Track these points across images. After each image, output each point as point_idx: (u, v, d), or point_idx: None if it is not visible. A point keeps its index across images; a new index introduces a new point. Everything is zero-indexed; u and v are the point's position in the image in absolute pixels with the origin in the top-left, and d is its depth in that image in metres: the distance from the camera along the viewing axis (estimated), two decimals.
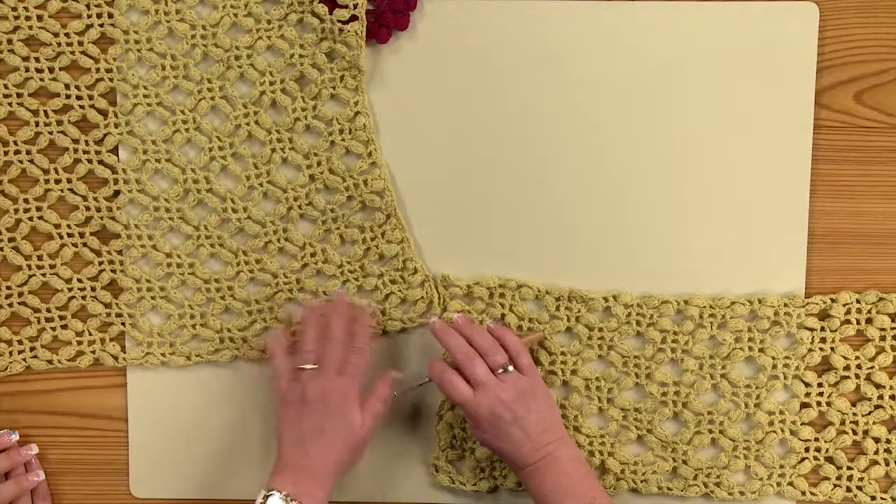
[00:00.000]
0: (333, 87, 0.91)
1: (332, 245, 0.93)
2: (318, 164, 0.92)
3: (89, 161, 0.93)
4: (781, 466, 0.94)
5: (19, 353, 0.96)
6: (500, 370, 0.88)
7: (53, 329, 0.95)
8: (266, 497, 0.83)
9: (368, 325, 0.90)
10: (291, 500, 0.83)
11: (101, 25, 0.91)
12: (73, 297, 0.95)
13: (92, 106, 0.92)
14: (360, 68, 0.91)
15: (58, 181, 0.93)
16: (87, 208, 0.94)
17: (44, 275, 0.94)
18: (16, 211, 0.94)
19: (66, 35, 0.91)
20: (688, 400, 0.94)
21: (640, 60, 0.92)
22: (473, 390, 0.87)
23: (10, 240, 0.94)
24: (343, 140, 0.92)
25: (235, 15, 0.91)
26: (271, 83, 0.92)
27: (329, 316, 0.90)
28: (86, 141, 0.93)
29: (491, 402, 0.86)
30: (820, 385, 0.94)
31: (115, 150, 0.93)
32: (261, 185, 0.93)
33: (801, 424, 0.94)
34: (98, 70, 0.92)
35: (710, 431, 0.94)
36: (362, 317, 0.90)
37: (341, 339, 0.88)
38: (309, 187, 0.93)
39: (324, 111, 0.92)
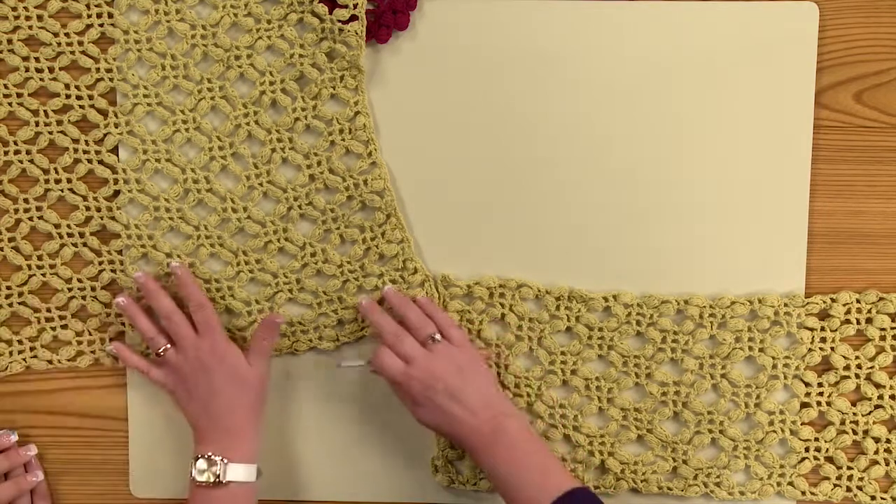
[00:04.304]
0: (333, 87, 0.91)
1: (332, 245, 0.93)
2: (318, 163, 0.92)
3: (89, 161, 0.93)
4: (781, 466, 0.94)
5: (19, 353, 0.96)
6: (430, 341, 0.88)
7: (53, 329, 0.95)
8: (192, 465, 0.86)
9: (193, 283, 0.92)
10: (215, 458, 0.86)
11: (101, 25, 0.91)
12: (73, 297, 0.95)
13: (92, 106, 0.92)
14: (359, 68, 0.91)
15: (58, 181, 0.93)
16: (87, 208, 0.94)
17: (44, 275, 0.94)
18: (16, 211, 0.94)
19: (66, 35, 0.91)
20: (688, 400, 0.94)
21: (640, 60, 0.92)
22: (406, 366, 0.88)
23: (10, 240, 0.94)
24: (343, 140, 0.92)
25: (235, 15, 0.91)
26: (271, 83, 0.91)
27: (151, 298, 0.92)
28: (86, 141, 0.93)
29: (422, 375, 0.87)
30: (820, 385, 0.94)
31: (115, 150, 0.93)
32: (261, 184, 0.93)
33: (801, 424, 0.94)
34: (98, 70, 0.92)
35: (710, 431, 0.94)
36: (182, 279, 0.92)
37: (173, 310, 0.91)
38: (309, 187, 0.92)
39: (324, 111, 0.92)
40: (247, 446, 0.88)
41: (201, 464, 0.86)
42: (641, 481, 0.95)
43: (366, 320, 0.92)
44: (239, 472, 0.86)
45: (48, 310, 0.95)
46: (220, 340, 0.90)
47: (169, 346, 0.90)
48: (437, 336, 0.89)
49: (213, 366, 0.88)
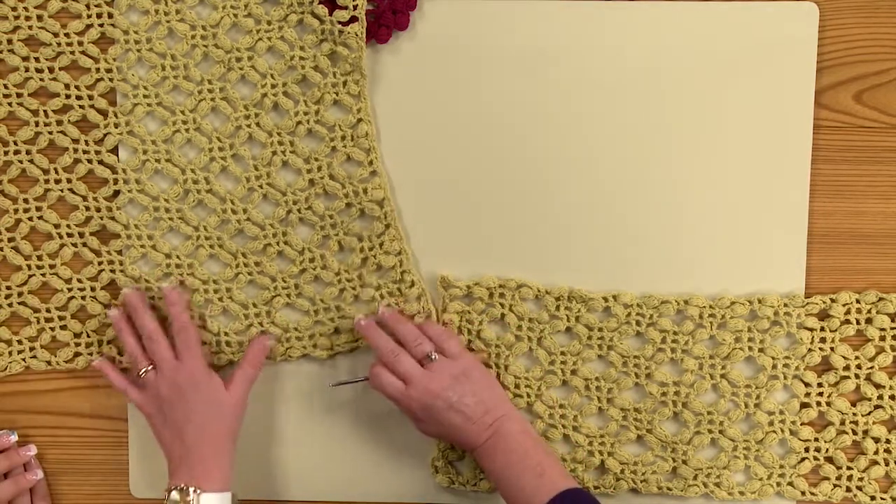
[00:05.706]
0: (336, 93, 0.91)
1: (330, 251, 0.93)
2: (319, 168, 0.92)
3: (89, 161, 0.93)
4: (781, 466, 0.94)
5: (19, 353, 0.96)
6: (426, 360, 0.88)
7: (53, 329, 0.95)
8: (166, 497, 0.85)
9: (179, 304, 0.91)
10: (188, 489, 0.85)
11: (101, 25, 0.91)
12: (73, 297, 0.95)
13: (92, 106, 0.92)
14: (362, 72, 0.90)
15: (58, 181, 0.93)
16: (87, 208, 0.94)
17: (44, 275, 0.94)
18: (16, 211, 0.94)
19: (66, 35, 0.91)
20: (688, 400, 0.94)
21: (640, 60, 0.92)
22: (405, 385, 0.88)
23: (10, 240, 0.94)
24: (344, 146, 0.92)
25: (235, 15, 0.91)
26: (273, 85, 0.91)
27: (134, 316, 0.91)
28: (86, 141, 0.93)
29: (421, 395, 0.87)
30: (820, 385, 0.94)
31: (115, 150, 0.93)
32: (260, 187, 0.93)
33: (801, 424, 0.94)
34: (98, 70, 0.92)
35: (710, 431, 0.94)
36: (170, 298, 0.91)
37: (156, 330, 0.90)
38: (308, 192, 0.92)
39: (326, 116, 0.91)
40: (220, 474, 0.87)
41: (174, 496, 0.85)
42: (641, 481, 0.95)
43: (362, 338, 0.92)
44: (212, 502, 0.86)
45: (48, 310, 0.95)
46: (199, 366, 0.89)
47: (150, 367, 0.90)
48: (434, 355, 0.89)
49: (190, 391, 0.88)
